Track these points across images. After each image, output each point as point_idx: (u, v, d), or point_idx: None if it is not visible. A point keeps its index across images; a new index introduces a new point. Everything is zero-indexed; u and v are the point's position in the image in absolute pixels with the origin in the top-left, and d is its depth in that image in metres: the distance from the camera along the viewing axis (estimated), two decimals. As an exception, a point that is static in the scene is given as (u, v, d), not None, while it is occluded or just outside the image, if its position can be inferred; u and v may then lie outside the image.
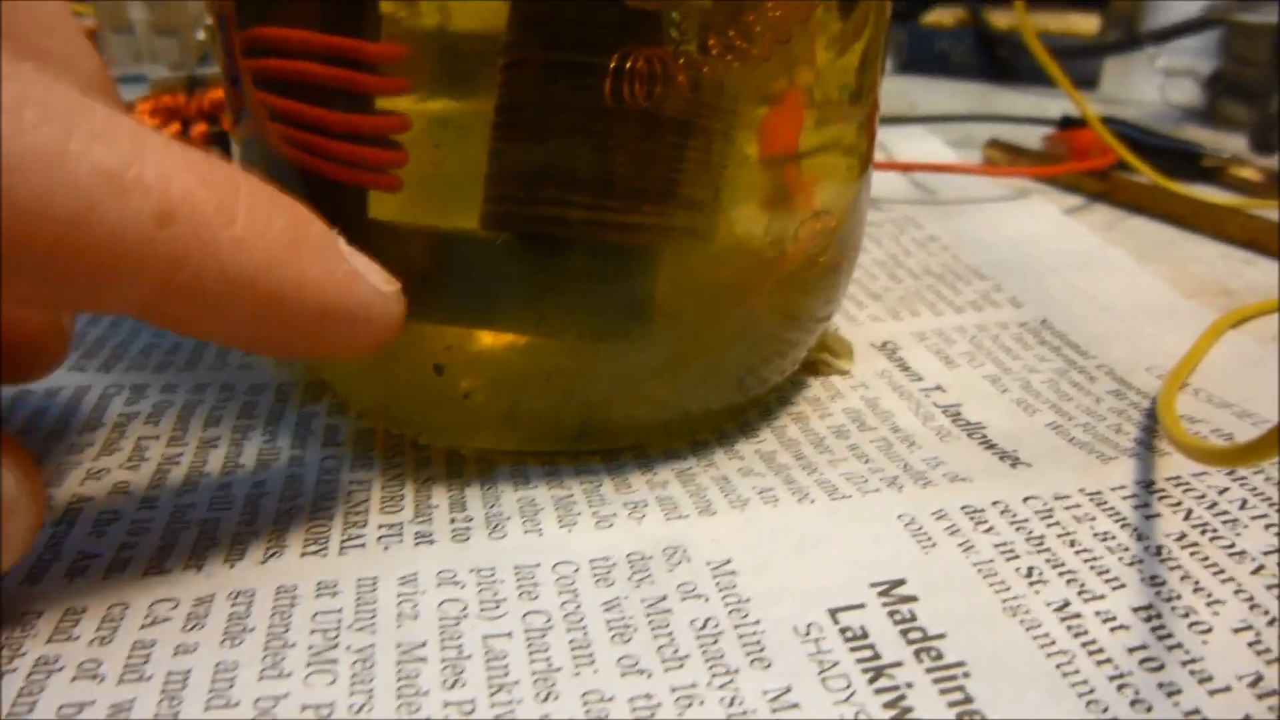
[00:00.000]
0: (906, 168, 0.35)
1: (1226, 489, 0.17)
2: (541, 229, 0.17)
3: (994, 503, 0.17)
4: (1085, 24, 0.62)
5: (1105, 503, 0.17)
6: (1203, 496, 0.17)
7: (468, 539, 0.16)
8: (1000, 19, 0.62)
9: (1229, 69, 0.45)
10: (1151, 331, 0.24)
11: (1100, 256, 0.28)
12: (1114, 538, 0.16)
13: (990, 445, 0.19)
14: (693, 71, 0.16)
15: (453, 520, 0.16)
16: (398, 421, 0.19)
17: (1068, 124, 0.41)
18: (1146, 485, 0.17)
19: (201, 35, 0.41)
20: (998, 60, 0.60)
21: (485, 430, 0.18)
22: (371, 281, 0.14)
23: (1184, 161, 0.38)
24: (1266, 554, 0.15)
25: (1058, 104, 0.54)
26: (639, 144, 0.17)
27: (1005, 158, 0.39)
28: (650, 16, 0.16)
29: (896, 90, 0.57)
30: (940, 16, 0.64)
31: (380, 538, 0.16)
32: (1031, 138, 0.43)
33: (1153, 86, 0.53)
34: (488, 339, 0.18)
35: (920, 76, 0.61)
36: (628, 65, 0.16)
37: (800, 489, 0.17)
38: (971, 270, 0.27)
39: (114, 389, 0.20)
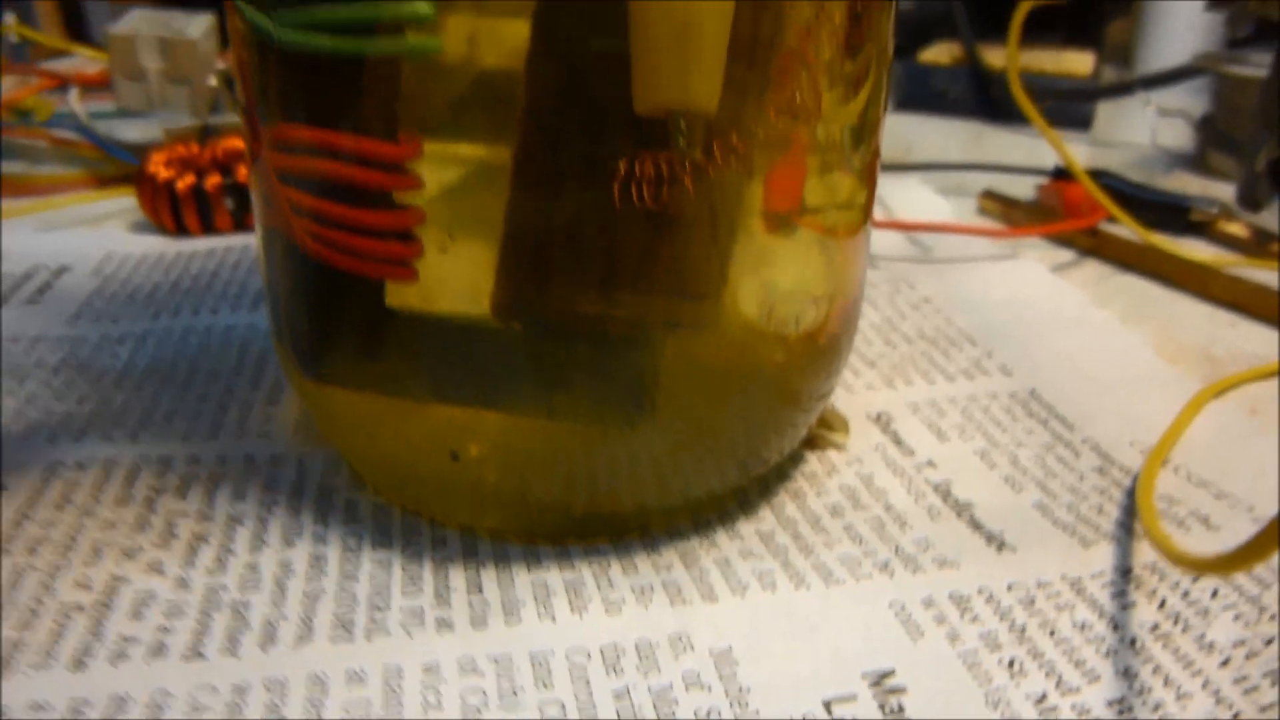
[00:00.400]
0: (904, 227, 0.36)
1: (1199, 576, 0.18)
2: (550, 320, 0.18)
3: (980, 590, 0.18)
4: (1080, 63, 0.63)
5: (1085, 590, 0.18)
6: (1177, 584, 0.18)
7: (486, 625, 0.17)
8: (995, 57, 0.64)
9: (1219, 117, 0.46)
10: (1135, 404, 0.25)
11: (1088, 320, 0.29)
12: (1092, 628, 0.17)
13: (978, 526, 0.20)
14: (698, 174, 0.17)
15: (470, 605, 0.17)
16: (413, 500, 0.20)
17: (1060, 174, 0.42)
18: (1124, 572, 0.18)
19: (213, 82, 0.42)
20: (993, 99, 0.61)
21: (498, 512, 0.19)
22: None
23: (1172, 215, 0.39)
24: (1235, 645, 0.17)
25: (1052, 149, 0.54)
26: (646, 242, 0.18)
27: (999, 209, 0.40)
28: (658, 124, 0.17)
29: (893, 129, 0.57)
30: (937, 54, 0.65)
31: (403, 622, 0.17)
32: (1025, 187, 0.44)
33: (1145, 129, 0.54)
34: (499, 424, 0.19)
35: (917, 114, 0.62)
36: (636, 169, 0.17)
37: (797, 573, 0.18)
38: (964, 335, 0.28)
39: (142, 460, 0.21)
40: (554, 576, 0.18)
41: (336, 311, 0.19)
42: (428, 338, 0.19)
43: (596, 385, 0.18)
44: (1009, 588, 0.18)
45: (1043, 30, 0.70)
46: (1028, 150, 0.54)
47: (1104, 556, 0.19)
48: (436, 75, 0.17)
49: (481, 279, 0.18)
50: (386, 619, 0.17)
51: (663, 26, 0.16)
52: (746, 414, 0.19)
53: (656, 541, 0.19)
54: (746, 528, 0.20)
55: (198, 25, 0.42)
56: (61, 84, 0.44)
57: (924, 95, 0.63)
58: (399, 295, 0.18)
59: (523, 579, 0.18)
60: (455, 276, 0.18)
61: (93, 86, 0.43)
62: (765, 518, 0.20)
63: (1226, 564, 0.14)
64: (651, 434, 0.19)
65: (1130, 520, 0.20)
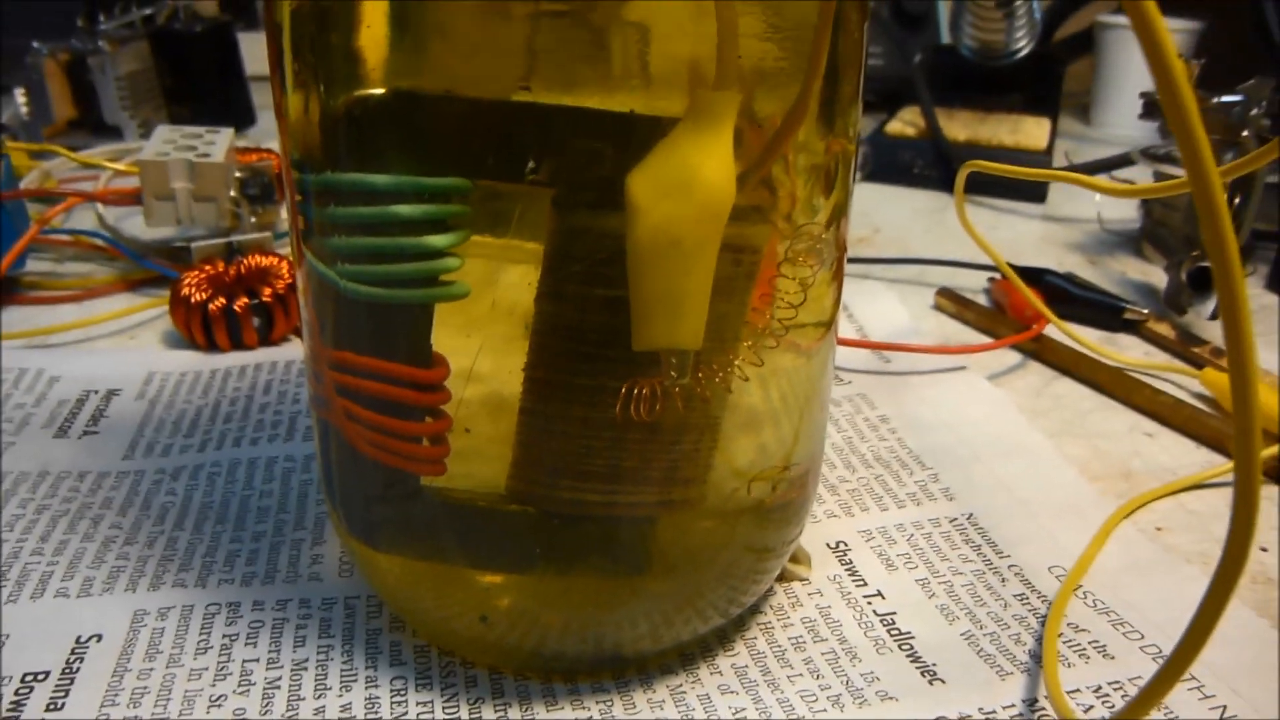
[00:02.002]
0: (868, 345, 0.40)
1: (1091, 707, 0.22)
2: (559, 507, 0.22)
3: (913, 724, 0.22)
4: (1037, 134, 0.68)
5: (998, 721, 0.22)
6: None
7: (514, 766, 0.21)
8: (958, 130, 0.68)
9: (1154, 210, 0.50)
10: (1058, 528, 0.29)
11: (1024, 444, 0.33)
12: (1001, 758, 0.21)
13: (916, 658, 0.24)
14: (686, 392, 0.21)
15: (500, 745, 0.21)
16: (448, 645, 0.24)
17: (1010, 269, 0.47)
18: (1030, 703, 0.22)
19: (233, 193, 0.46)
20: (953, 173, 0.65)
21: (520, 657, 0.23)
22: None
23: (1108, 314, 0.43)
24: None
25: (1008, 222, 0.59)
26: (642, 446, 0.22)
27: (953, 308, 0.45)
28: (651, 356, 0.21)
29: (863, 204, 0.62)
30: (903, 127, 0.69)
31: (446, 764, 0.21)
32: (979, 279, 0.48)
33: (1092, 208, 0.59)
34: (520, 587, 0.23)
35: (885, 185, 0.66)
36: (634, 392, 0.21)
37: (764, 709, 0.22)
38: (914, 457, 0.32)
39: (214, 607, 0.25)
40: (567, 713, 0.22)
41: (379, 490, 0.23)
42: (456, 515, 0.23)
43: (600, 554, 0.23)
44: (936, 722, 0.22)
45: (1002, 92, 0.75)
46: (987, 223, 0.59)
47: (1016, 689, 0.23)
48: (463, 312, 0.21)
49: (500, 471, 0.22)
50: (433, 761, 0.21)
51: (654, 284, 0.20)
52: (728, 568, 0.23)
53: (650, 678, 0.23)
54: (724, 660, 0.24)
55: (220, 145, 0.46)
56: (88, 198, 0.48)
57: (891, 168, 0.67)
58: (431, 480, 0.22)
59: (542, 716, 0.22)
60: (477, 468, 0.22)
61: (115, 201, 0.47)
62: (739, 651, 0.24)
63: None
64: (647, 593, 0.23)
65: (1040, 651, 0.24)
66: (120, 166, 0.48)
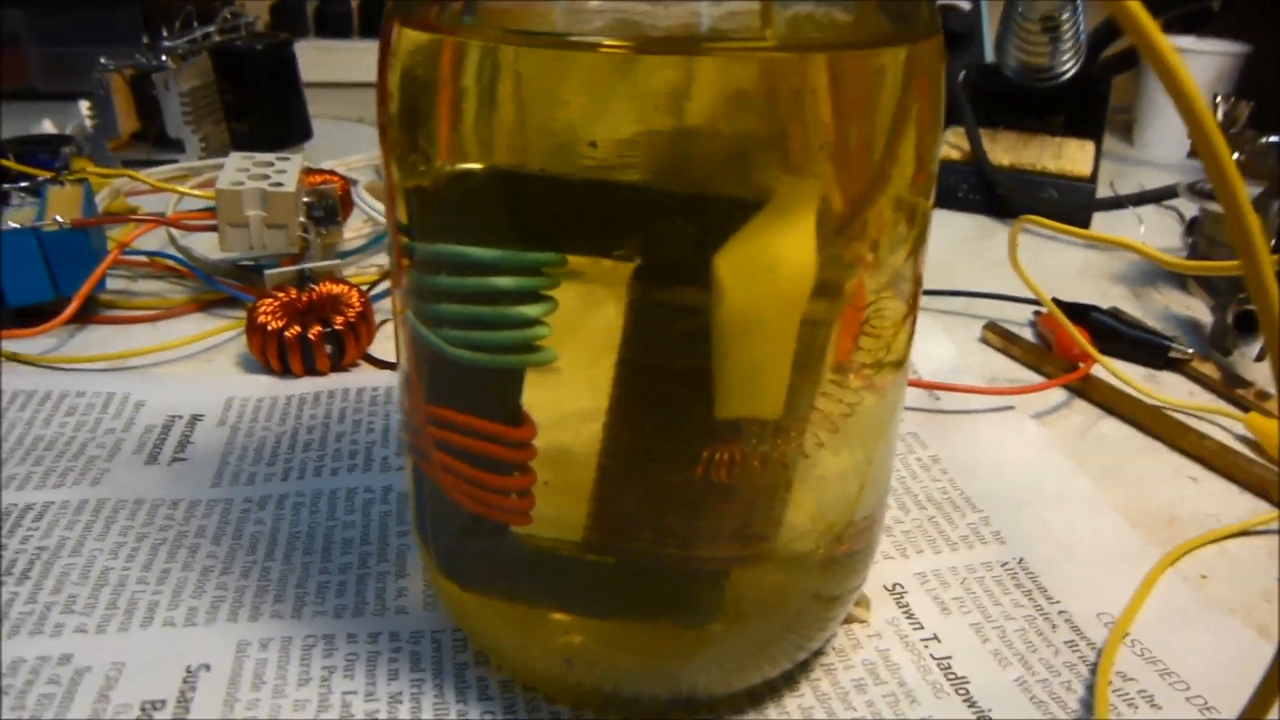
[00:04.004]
0: (918, 385, 0.41)
1: (1141, 757, 0.24)
2: (635, 559, 0.23)
3: (972, 770, 0.23)
4: (1081, 159, 0.68)
5: (1052, 770, 0.23)
6: (1123, 765, 0.23)
7: (599, 803, 0.23)
8: (1002, 154, 0.69)
9: (1199, 241, 0.51)
10: (1104, 575, 0.30)
11: (1070, 487, 0.35)
12: (1056, 806, 0.22)
13: (972, 703, 0.25)
14: (764, 458, 0.22)
15: (585, 783, 0.23)
16: (530, 681, 0.26)
17: (1056, 304, 0.48)
18: (1084, 753, 0.24)
19: (301, 218, 0.48)
20: (998, 197, 0.66)
21: (598, 699, 0.25)
22: None
23: (1154, 351, 0.44)
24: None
25: (1051, 249, 0.60)
26: (718, 506, 0.23)
27: (1000, 342, 0.46)
28: (732, 424, 0.22)
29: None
30: (948, 150, 0.70)
31: (536, 798, 0.23)
32: (1024, 311, 0.49)
33: (1136, 237, 0.59)
34: (600, 631, 0.24)
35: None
36: (714, 457, 0.22)
37: (832, 752, 0.24)
38: (966, 500, 0.34)
39: (311, 639, 0.27)
40: (645, 754, 0.24)
41: (469, 534, 0.25)
42: (539, 560, 0.24)
43: (674, 604, 0.24)
44: (994, 769, 0.23)
45: (1046, 113, 0.75)
46: (1031, 251, 0.60)
47: (1069, 737, 0.24)
48: (550, 377, 0.23)
49: (579, 522, 0.23)
50: (524, 796, 0.23)
51: (738, 358, 0.22)
52: (797, 617, 0.25)
53: (722, 719, 0.25)
54: (791, 701, 0.26)
55: (291, 173, 0.48)
56: (160, 223, 0.50)
57: (938, 192, 0.68)
58: (518, 528, 0.24)
59: (621, 756, 0.24)
60: (561, 519, 0.24)
61: (191, 227, 0.49)
62: (805, 693, 0.26)
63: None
64: (719, 640, 0.24)
65: (1091, 699, 0.25)
66: (197, 192, 0.50)
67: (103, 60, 0.70)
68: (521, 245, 0.22)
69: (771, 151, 0.21)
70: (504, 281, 0.22)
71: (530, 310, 0.22)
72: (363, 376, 0.42)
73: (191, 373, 0.43)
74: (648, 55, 0.20)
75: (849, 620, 0.28)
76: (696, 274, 0.21)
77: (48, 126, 0.71)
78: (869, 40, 0.21)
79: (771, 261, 0.21)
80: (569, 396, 0.22)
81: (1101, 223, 0.64)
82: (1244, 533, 0.33)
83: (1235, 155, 0.42)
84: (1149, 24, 0.16)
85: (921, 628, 0.28)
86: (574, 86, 0.20)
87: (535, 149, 0.21)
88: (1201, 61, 0.82)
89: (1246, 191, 0.16)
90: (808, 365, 0.22)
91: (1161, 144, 0.79)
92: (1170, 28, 0.77)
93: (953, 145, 0.70)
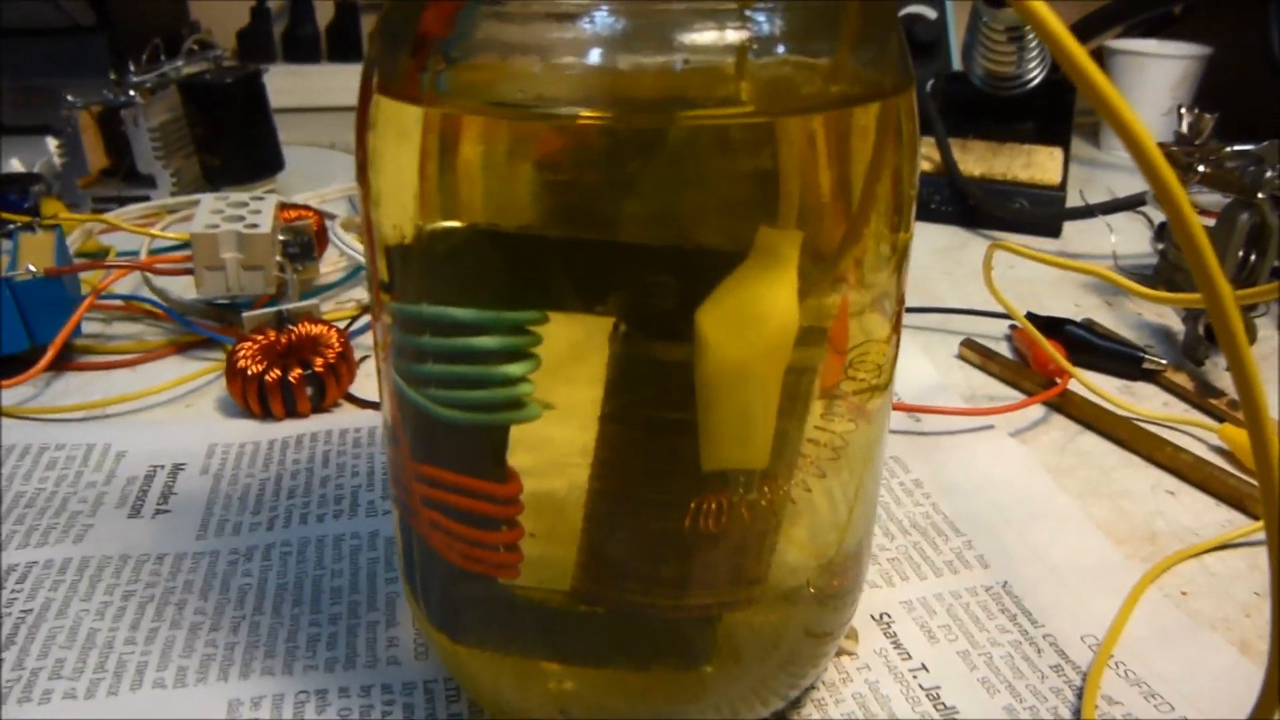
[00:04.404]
0: (899, 408, 0.41)
1: (1130, 784, 0.24)
2: (625, 608, 0.24)
3: (964, 803, 0.24)
4: (1050, 166, 0.69)
5: (1043, 800, 0.24)
6: (1112, 793, 0.24)
7: None
8: (972, 164, 0.69)
9: (1170, 253, 0.52)
10: (1087, 596, 0.30)
11: (1051, 506, 0.35)
12: (1048, 838, 0.23)
13: (962, 734, 0.26)
14: (751, 506, 0.23)
15: (583, 834, 0.23)
16: (524, 729, 0.26)
17: (1031, 319, 0.48)
18: (1073, 782, 0.24)
19: (278, 258, 0.48)
20: (970, 207, 0.67)
21: (593, 744, 0.25)
22: None
23: (1128, 363, 0.45)
24: None
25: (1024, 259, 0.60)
26: (707, 554, 0.23)
27: (977, 359, 0.46)
28: (719, 474, 0.23)
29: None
30: (920, 162, 0.70)
31: None
32: (1000, 326, 0.50)
33: (1107, 243, 0.60)
34: (591, 680, 0.25)
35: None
36: (701, 507, 0.23)
37: (826, 791, 0.24)
38: (949, 523, 0.34)
39: (304, 695, 0.27)
40: (641, 801, 0.24)
41: (458, 587, 0.25)
42: (530, 612, 0.24)
43: (666, 649, 0.24)
44: (986, 802, 0.24)
45: (1014, 120, 0.76)
46: (1005, 262, 0.60)
47: (1058, 766, 0.25)
48: (535, 429, 0.23)
49: (568, 575, 0.23)
50: None
51: (723, 410, 0.22)
52: (790, 655, 0.25)
53: (715, 760, 0.25)
54: (783, 740, 0.26)
55: (266, 214, 0.48)
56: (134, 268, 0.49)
57: (908, 204, 0.68)
58: (507, 580, 0.24)
59: (618, 804, 0.24)
60: (549, 570, 0.24)
61: (165, 271, 0.49)
62: (797, 730, 0.26)
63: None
64: (713, 682, 0.24)
65: (1079, 724, 0.26)
66: (170, 235, 0.50)
67: (70, 97, 0.69)
68: (503, 305, 0.22)
69: (750, 206, 0.21)
70: (487, 341, 0.22)
71: (514, 369, 0.22)
72: (345, 417, 0.42)
73: (172, 418, 0.43)
74: (624, 127, 0.20)
75: (839, 653, 0.29)
76: (679, 328, 0.21)
77: (15, 165, 0.70)
78: (844, 100, 0.21)
79: (754, 314, 0.21)
80: (554, 448, 0.23)
81: (1072, 230, 0.65)
82: (1222, 546, 0.33)
83: (1201, 167, 0.43)
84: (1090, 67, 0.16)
85: (910, 658, 0.28)
86: (552, 153, 0.20)
87: (513, 210, 0.22)
88: (1164, 65, 0.83)
89: (1199, 221, 0.17)
90: (793, 410, 0.23)
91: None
92: (1132, 32, 0.78)
93: (924, 156, 0.70)
